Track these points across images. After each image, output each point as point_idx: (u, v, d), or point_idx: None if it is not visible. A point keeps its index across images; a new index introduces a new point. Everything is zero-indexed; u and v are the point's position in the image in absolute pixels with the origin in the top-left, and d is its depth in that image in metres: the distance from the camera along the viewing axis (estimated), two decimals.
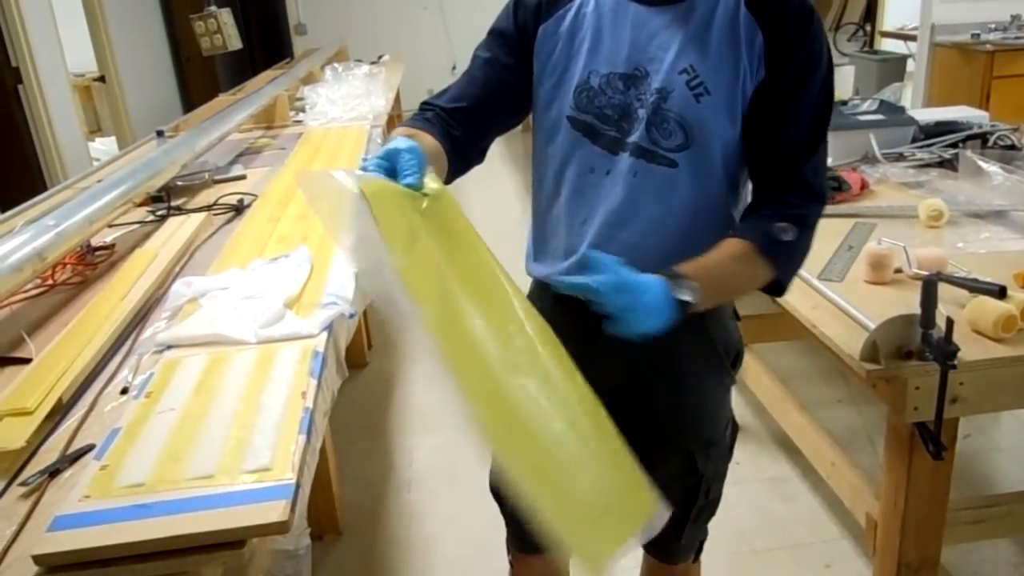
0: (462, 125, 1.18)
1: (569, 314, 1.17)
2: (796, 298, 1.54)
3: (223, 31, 3.34)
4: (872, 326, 1.33)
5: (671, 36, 1.09)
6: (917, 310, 1.32)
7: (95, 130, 6.69)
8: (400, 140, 0.95)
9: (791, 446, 2.41)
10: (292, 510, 0.98)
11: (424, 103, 1.22)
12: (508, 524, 1.44)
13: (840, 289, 1.53)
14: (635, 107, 1.11)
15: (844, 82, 4.08)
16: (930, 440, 1.28)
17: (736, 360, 1.29)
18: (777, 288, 1.13)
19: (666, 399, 1.26)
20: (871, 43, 7.80)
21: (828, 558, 2.03)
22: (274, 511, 0.97)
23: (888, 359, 1.28)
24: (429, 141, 1.10)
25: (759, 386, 2.30)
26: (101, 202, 1.85)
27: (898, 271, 1.58)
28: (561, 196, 1.20)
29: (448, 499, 2.33)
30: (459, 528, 2.17)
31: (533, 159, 1.26)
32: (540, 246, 1.29)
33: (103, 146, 6.18)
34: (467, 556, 2.08)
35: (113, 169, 2.90)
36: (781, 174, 1.10)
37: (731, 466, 2.35)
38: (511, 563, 1.53)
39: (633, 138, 1.12)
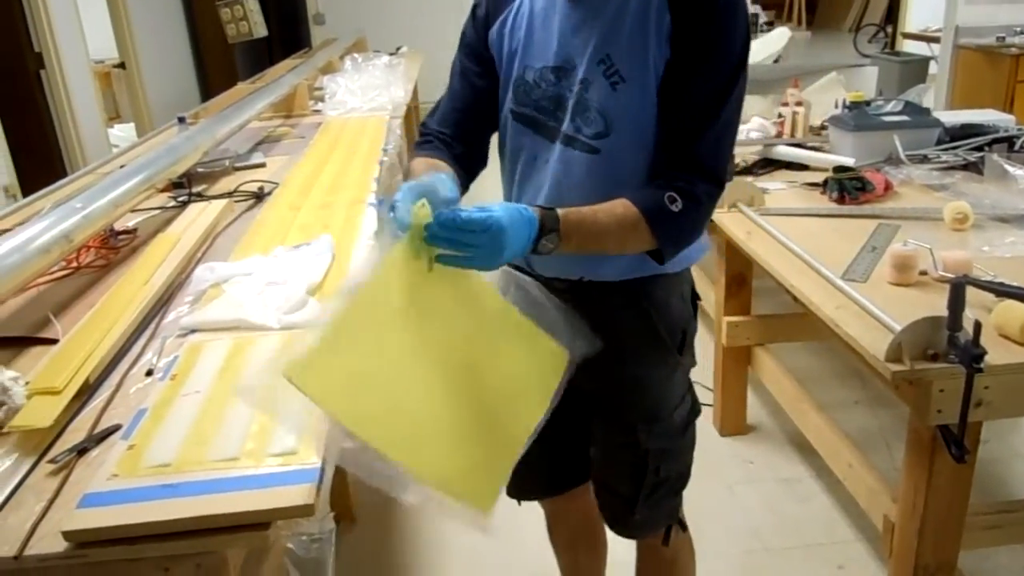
0: (458, 141, 1.27)
1: (521, 290, 1.28)
2: (819, 297, 1.53)
3: (249, 18, 3.34)
4: (897, 327, 1.33)
5: (591, 27, 1.14)
6: (942, 312, 1.32)
7: (113, 116, 6.71)
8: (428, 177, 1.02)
9: (806, 447, 2.40)
10: (317, 494, 0.99)
11: (422, 128, 1.32)
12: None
13: (864, 290, 1.52)
14: (567, 97, 1.17)
15: (867, 83, 4.05)
16: (953, 443, 1.27)
17: (683, 341, 1.32)
18: (659, 255, 1.15)
19: (605, 373, 1.29)
20: (892, 44, 7.75)
21: (841, 559, 2.03)
22: (300, 494, 0.97)
23: (913, 361, 1.27)
24: (446, 168, 1.19)
25: (776, 386, 2.29)
26: (126, 186, 1.86)
27: (923, 273, 1.57)
28: (514, 183, 1.28)
29: None
30: None
31: (498, 148, 1.34)
32: None
33: (122, 133, 6.22)
34: (481, 545, 2.09)
35: (135, 155, 2.92)
36: (674, 150, 1.13)
37: (744, 466, 2.38)
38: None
39: (563, 127, 1.18)
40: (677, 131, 1.13)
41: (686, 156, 1.12)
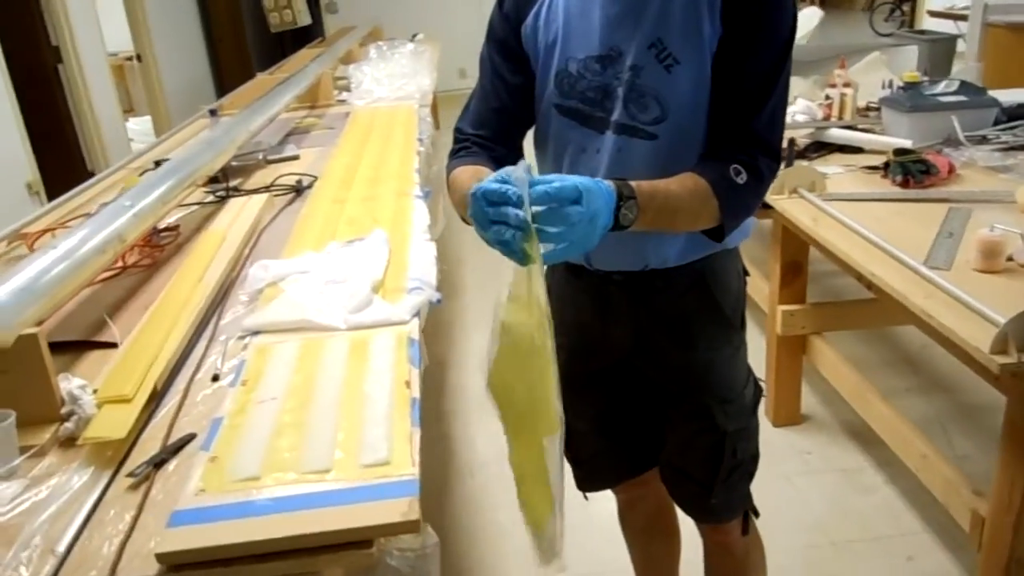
0: (497, 142, 1.23)
1: (581, 281, 1.28)
2: (905, 287, 1.47)
3: (293, 6, 3.27)
4: (997, 317, 1.27)
5: (637, 13, 1.12)
6: None
7: (128, 110, 6.65)
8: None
9: (863, 436, 2.35)
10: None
11: (457, 132, 1.27)
12: (578, 466, 1.48)
13: (951, 278, 1.46)
14: (614, 86, 1.14)
15: (908, 63, 3.98)
16: None
17: (742, 317, 1.32)
18: (719, 232, 1.13)
19: (677, 360, 1.29)
20: (911, 23, 7.63)
21: (910, 550, 1.97)
22: (403, 509, 0.92)
23: (1020, 352, 1.21)
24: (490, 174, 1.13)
25: (834, 375, 2.23)
26: (171, 182, 1.81)
27: (1009, 259, 1.51)
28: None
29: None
30: None
31: (534, 143, 1.30)
32: None
33: (137, 126, 6.16)
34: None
35: (165, 149, 2.86)
36: (733, 126, 1.12)
37: (803, 457, 2.33)
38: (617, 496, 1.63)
39: (615, 116, 1.15)
40: (735, 107, 1.11)
41: (745, 131, 1.11)
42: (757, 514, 1.45)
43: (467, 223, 1.13)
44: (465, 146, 1.24)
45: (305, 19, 3.67)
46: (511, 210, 0.90)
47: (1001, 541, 1.43)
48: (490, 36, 1.27)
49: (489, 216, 0.91)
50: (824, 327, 2.32)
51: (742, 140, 1.11)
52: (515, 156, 1.26)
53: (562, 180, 0.92)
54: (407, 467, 1.00)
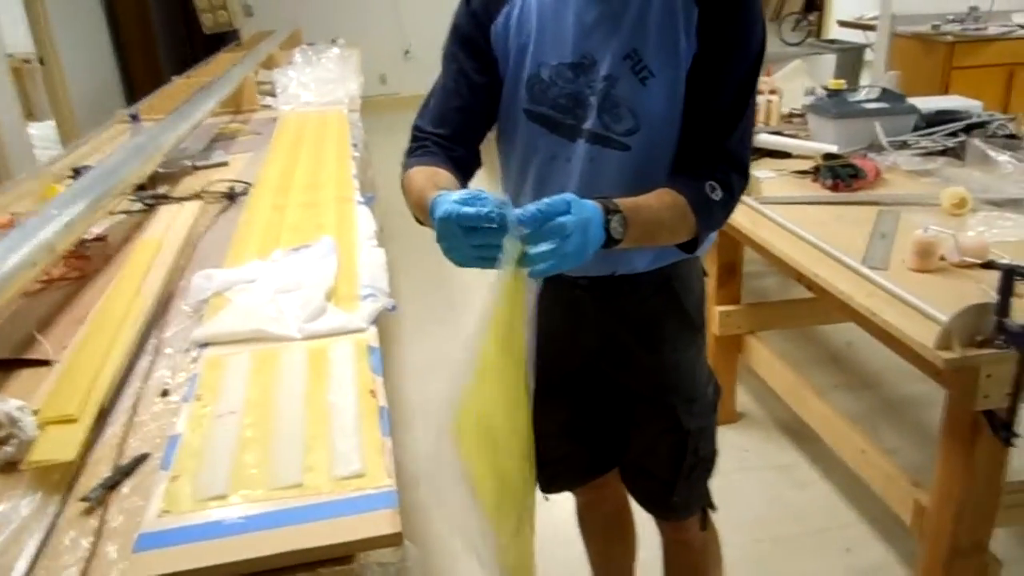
0: (456, 143, 1.20)
1: (550, 285, 1.23)
2: (848, 286, 1.52)
3: (228, 6, 3.14)
4: (939, 315, 1.32)
5: (613, 23, 1.12)
6: (971, 297, 1.34)
7: (26, 114, 6.30)
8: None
9: (798, 432, 2.43)
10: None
11: (415, 130, 1.23)
12: (544, 468, 1.41)
13: (890, 277, 1.52)
14: (586, 94, 1.14)
15: (820, 71, 4.15)
16: (1002, 427, 1.28)
17: (703, 319, 1.35)
18: (691, 245, 1.14)
19: (645, 362, 1.31)
20: (818, 33, 7.94)
21: (848, 543, 2.05)
22: (384, 522, 0.90)
23: (963, 348, 1.27)
24: (447, 177, 1.11)
25: (770, 373, 2.29)
26: (102, 189, 1.72)
27: (941, 258, 1.58)
28: (527, 184, 1.23)
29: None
30: None
31: (498, 149, 1.28)
32: None
33: (38, 131, 5.85)
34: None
35: (84, 155, 2.73)
36: (706, 143, 1.13)
37: (740, 454, 2.39)
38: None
39: (587, 125, 1.15)
40: (709, 125, 1.12)
41: (719, 149, 1.12)
42: (715, 508, 1.48)
43: (423, 224, 1.11)
44: (423, 145, 1.20)
45: (240, 21, 3.55)
46: (494, 238, 0.87)
47: (943, 530, 1.50)
48: (455, 33, 1.23)
49: (472, 245, 0.88)
50: (759, 326, 2.39)
51: (716, 158, 1.12)
52: (472, 155, 1.23)
53: (548, 199, 0.90)
54: (383, 478, 0.98)
